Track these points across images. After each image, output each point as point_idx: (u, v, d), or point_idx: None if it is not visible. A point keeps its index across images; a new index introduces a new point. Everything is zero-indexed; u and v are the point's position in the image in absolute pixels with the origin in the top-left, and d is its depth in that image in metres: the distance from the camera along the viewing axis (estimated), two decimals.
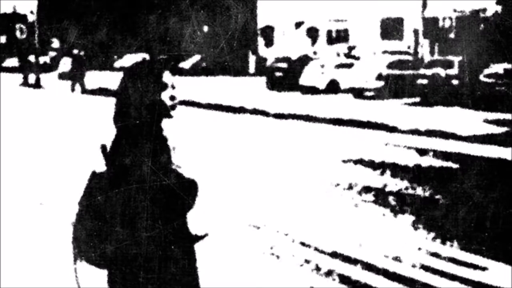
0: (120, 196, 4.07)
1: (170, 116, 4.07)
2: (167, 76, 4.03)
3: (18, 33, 31.46)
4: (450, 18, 36.67)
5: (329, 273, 7.14)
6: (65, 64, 32.59)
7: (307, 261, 7.46)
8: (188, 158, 4.01)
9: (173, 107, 4.01)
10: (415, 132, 17.67)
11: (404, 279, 6.99)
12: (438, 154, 14.14)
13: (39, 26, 31.13)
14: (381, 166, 12.74)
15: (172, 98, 3.98)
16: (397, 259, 7.56)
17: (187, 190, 4.09)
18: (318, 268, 7.27)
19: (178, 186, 4.08)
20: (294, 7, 42.28)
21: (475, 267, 7.39)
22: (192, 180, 4.07)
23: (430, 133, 17.40)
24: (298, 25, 42.40)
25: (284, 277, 7.03)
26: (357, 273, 7.15)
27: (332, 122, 19.90)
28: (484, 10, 33.06)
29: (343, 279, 6.98)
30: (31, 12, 31.87)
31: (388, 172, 12.09)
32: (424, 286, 6.86)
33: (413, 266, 7.37)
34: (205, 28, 34.39)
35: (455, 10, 35.76)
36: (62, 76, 33.19)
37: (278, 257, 7.62)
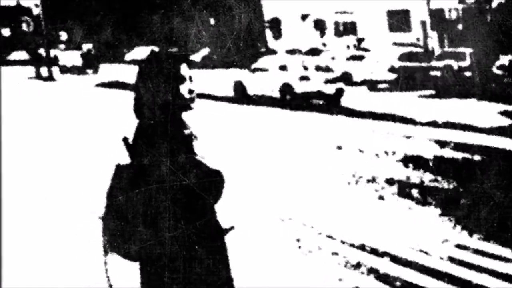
0: (141, 196, 4.05)
1: (190, 108, 4.05)
2: (184, 69, 4.03)
3: (24, 26, 31.36)
4: (456, 10, 36.66)
5: (357, 265, 7.24)
6: (68, 57, 32.54)
7: (334, 254, 7.50)
8: (210, 150, 4.00)
9: (191, 100, 4.01)
10: (433, 124, 17.61)
11: (432, 271, 7.05)
12: (457, 146, 14.11)
13: (45, 20, 31.10)
14: (402, 158, 12.72)
15: (191, 91, 4.01)
16: (423, 251, 7.59)
17: (207, 190, 4.05)
18: (346, 261, 7.31)
19: (198, 185, 4.03)
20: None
21: (502, 259, 7.42)
22: (218, 171, 4.04)
23: (448, 125, 17.33)
24: (304, 17, 42.31)
25: (312, 269, 7.09)
26: (385, 266, 7.21)
27: (349, 114, 19.87)
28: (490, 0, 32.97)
29: (372, 271, 7.01)
30: (36, 6, 31.76)
31: (410, 164, 12.07)
32: (451, 278, 6.89)
33: (441, 258, 7.40)
34: (212, 21, 34.35)
35: (460, 2, 35.74)
36: (63, 70, 33.06)
37: (305, 250, 7.65)
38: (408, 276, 6.87)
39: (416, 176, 11.11)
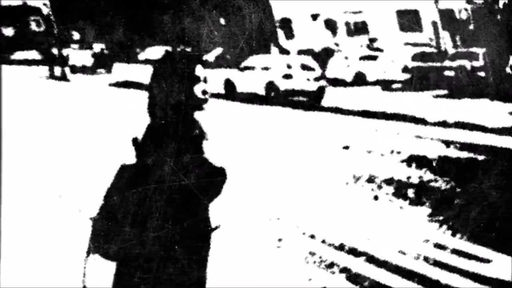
0: (136, 196, 4.01)
1: (202, 109, 4.12)
2: (199, 70, 4.12)
3: (34, 26, 31.29)
4: (466, 10, 36.51)
5: (330, 265, 7.29)
6: (80, 57, 32.43)
7: (311, 254, 7.60)
8: (217, 149, 3.98)
9: (204, 100, 4.15)
10: (444, 124, 17.58)
11: (404, 271, 7.13)
12: (464, 146, 14.08)
13: (56, 20, 31.07)
14: (406, 158, 12.71)
15: (204, 92, 4.07)
16: (401, 251, 7.68)
17: (205, 190, 4.04)
18: (321, 261, 7.40)
19: (196, 186, 4.02)
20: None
21: (479, 259, 7.47)
22: (222, 170, 4.09)
23: (458, 125, 17.30)
24: (315, 17, 42.24)
25: (285, 269, 7.16)
26: (358, 266, 7.29)
27: (360, 114, 19.89)
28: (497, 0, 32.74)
29: (343, 271, 7.11)
30: (44, 5, 31.67)
31: (413, 164, 12.10)
32: (421, 278, 6.98)
33: (416, 258, 7.48)
34: (222, 21, 34.53)
35: (468, 2, 35.59)
36: (76, 69, 32.97)
37: (283, 249, 7.74)
38: (379, 276, 6.94)
39: (416, 176, 11.12)
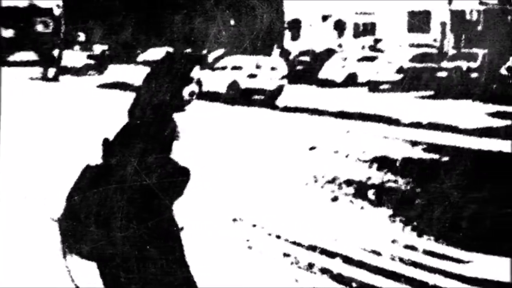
0: (97, 196, 4.10)
1: (182, 110, 4.26)
2: (195, 71, 4.25)
3: (40, 27, 31.41)
4: (478, 11, 36.36)
5: (310, 266, 7.25)
6: (77, 58, 32.35)
7: (286, 255, 7.55)
8: (187, 150, 4.14)
9: (188, 102, 4.25)
10: (417, 125, 17.69)
11: (385, 272, 7.08)
12: (431, 147, 14.09)
13: (66, 21, 31.25)
14: (370, 159, 12.71)
15: (192, 94, 4.25)
16: (374, 252, 7.64)
17: (166, 190, 4.14)
18: (297, 262, 7.35)
19: (158, 186, 4.11)
20: (321, 1, 42.16)
21: (453, 259, 7.47)
22: (186, 170, 4.18)
23: (431, 126, 17.41)
24: (325, 18, 42.30)
25: (266, 270, 7.10)
26: (337, 266, 7.25)
27: (335, 115, 20.02)
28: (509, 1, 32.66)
29: (325, 272, 7.06)
30: (57, 6, 31.86)
31: (375, 165, 12.07)
32: (406, 279, 6.93)
33: (391, 259, 7.46)
34: (232, 22, 34.75)
35: (481, 3, 35.49)
36: (71, 71, 32.94)
37: (256, 251, 7.67)
38: (362, 277, 6.95)
39: (377, 176, 11.11)
